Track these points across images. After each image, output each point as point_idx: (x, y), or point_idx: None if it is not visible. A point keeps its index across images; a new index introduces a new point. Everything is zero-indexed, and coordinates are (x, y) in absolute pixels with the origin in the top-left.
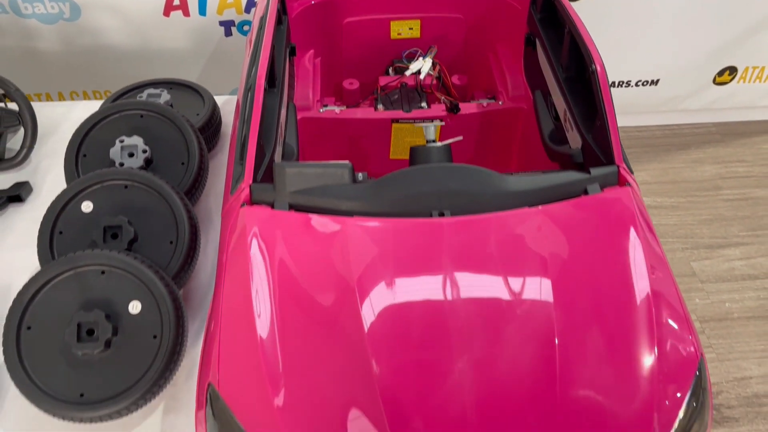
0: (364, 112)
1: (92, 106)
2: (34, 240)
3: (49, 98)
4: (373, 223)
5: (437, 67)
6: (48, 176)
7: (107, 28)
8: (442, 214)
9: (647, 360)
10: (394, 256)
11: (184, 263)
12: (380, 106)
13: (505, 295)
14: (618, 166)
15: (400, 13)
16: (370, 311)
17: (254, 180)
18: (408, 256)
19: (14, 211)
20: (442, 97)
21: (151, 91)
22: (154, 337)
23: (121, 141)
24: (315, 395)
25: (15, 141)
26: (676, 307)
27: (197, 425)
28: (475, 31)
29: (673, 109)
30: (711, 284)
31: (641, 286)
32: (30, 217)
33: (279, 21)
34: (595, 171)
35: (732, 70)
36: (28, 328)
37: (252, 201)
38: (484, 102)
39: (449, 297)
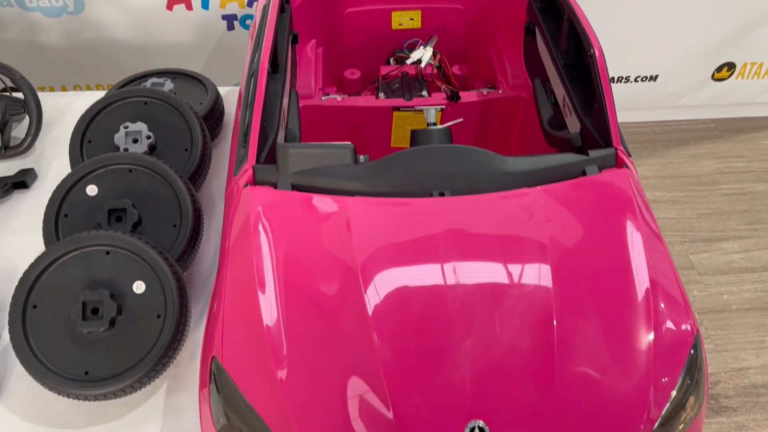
0: (365, 101)
1: (96, 97)
2: (38, 225)
3: (52, 91)
4: (374, 202)
5: (438, 56)
6: (52, 163)
7: (111, 21)
8: (442, 194)
9: (644, 337)
10: (396, 235)
11: (187, 246)
12: (381, 95)
13: (504, 275)
14: (616, 149)
15: (401, 4)
16: (372, 288)
17: (257, 162)
18: (409, 235)
19: (19, 197)
20: (443, 86)
21: (155, 80)
22: (158, 316)
23: (126, 127)
24: (317, 369)
25: (20, 129)
26: (673, 285)
27: (201, 402)
28: (476, 21)
29: (671, 105)
30: (709, 277)
31: (638, 264)
32: (35, 203)
33: (282, 9)
34: (594, 153)
35: (730, 67)
36: (34, 307)
37: (255, 181)
38: (484, 91)
39: (449, 275)
